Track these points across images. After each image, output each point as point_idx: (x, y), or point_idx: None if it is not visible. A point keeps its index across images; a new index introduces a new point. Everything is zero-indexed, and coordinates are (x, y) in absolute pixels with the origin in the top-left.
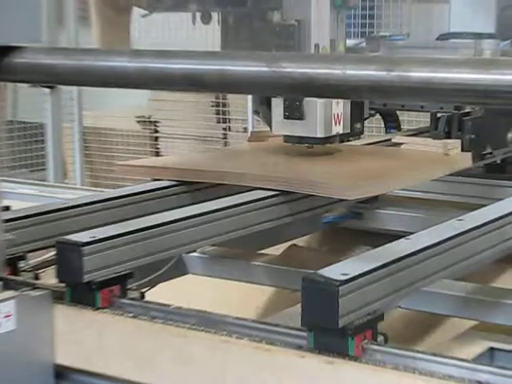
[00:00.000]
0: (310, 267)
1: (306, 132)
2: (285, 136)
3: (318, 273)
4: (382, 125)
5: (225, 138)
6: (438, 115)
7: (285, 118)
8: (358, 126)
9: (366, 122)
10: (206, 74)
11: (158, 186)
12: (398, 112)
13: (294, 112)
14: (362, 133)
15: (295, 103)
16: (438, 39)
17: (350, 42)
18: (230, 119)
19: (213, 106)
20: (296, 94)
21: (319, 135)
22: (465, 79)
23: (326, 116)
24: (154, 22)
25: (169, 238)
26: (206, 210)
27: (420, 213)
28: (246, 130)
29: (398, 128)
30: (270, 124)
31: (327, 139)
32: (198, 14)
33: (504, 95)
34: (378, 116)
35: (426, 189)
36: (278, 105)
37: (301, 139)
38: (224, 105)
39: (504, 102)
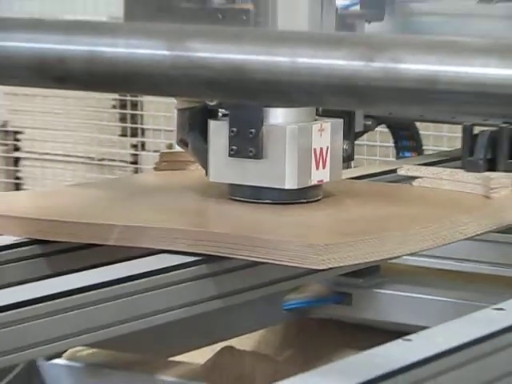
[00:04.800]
0: None
1: (267, 180)
2: (230, 186)
3: None
4: (392, 143)
5: (134, 162)
6: (476, 131)
7: (230, 155)
8: (345, 146)
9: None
10: (66, 60)
11: None
12: (417, 124)
13: (245, 146)
14: (352, 158)
15: (249, 131)
16: (480, 1)
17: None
18: (144, 130)
19: (115, 107)
20: (213, 95)
21: (289, 186)
22: (493, 76)
23: (301, 153)
24: None
25: (11, 332)
26: (75, 287)
27: (440, 294)
28: (171, 147)
29: (418, 149)
30: (204, 164)
31: (302, 193)
32: None
33: None
34: (383, 128)
35: (452, 254)
36: (218, 133)
37: (257, 193)
38: (134, 105)
39: None
